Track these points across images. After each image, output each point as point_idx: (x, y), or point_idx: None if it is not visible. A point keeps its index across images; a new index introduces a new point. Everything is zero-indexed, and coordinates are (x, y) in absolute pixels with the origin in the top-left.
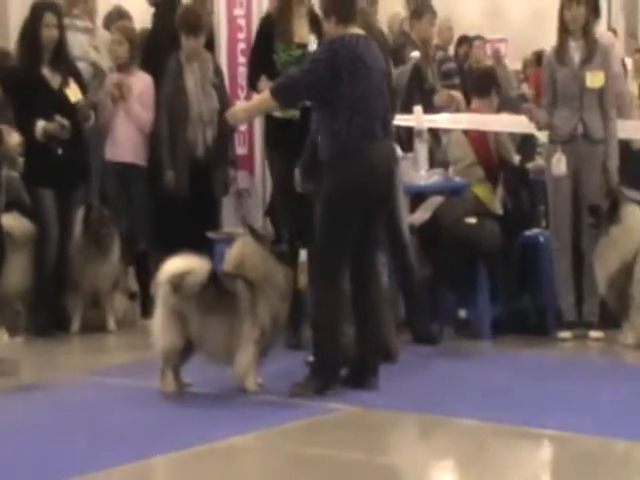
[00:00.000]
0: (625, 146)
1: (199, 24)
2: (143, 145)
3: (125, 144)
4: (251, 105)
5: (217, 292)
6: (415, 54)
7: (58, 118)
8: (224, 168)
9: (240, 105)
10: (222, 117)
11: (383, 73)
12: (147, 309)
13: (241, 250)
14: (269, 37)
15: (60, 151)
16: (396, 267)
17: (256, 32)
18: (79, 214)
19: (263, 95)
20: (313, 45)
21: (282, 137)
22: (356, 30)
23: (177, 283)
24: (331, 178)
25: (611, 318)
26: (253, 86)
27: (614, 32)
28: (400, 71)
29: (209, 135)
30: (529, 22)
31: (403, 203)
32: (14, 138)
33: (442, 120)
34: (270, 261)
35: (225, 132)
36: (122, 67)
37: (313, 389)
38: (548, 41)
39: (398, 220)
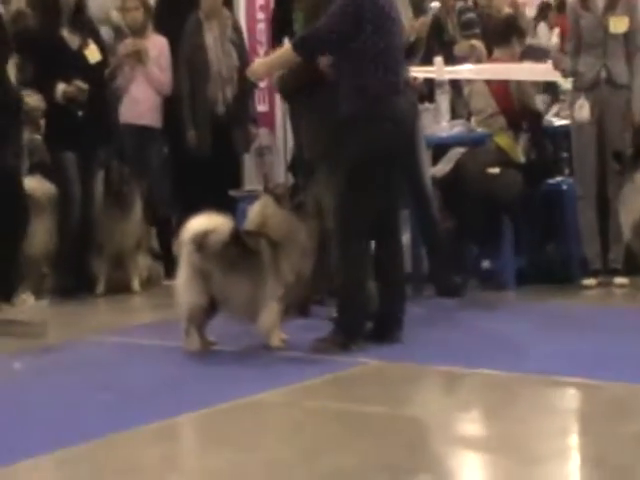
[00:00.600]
0: None
1: None
2: (160, 108)
3: (142, 107)
4: (272, 59)
5: (240, 250)
6: (435, 4)
7: (76, 82)
8: (245, 125)
9: (260, 61)
10: (242, 74)
11: (401, 23)
12: (170, 270)
13: (262, 210)
14: None
15: (80, 113)
16: (419, 220)
17: None
18: (100, 175)
19: (284, 49)
20: None
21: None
22: None
23: (200, 242)
24: (356, 135)
25: (636, 264)
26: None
27: None
28: (420, 22)
29: (229, 93)
30: None
31: (425, 156)
32: (34, 101)
33: (463, 71)
34: (291, 220)
35: (245, 89)
36: (137, 31)
37: (337, 345)
38: None
39: (420, 173)
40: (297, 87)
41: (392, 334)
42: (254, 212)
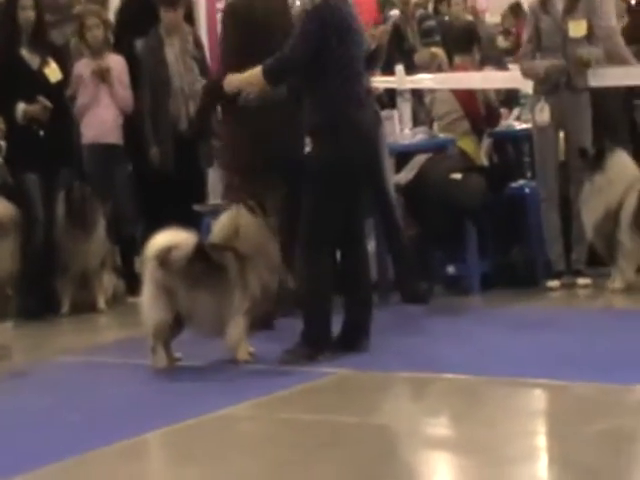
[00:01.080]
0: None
1: None
2: (121, 126)
3: (107, 125)
4: (245, 78)
5: (205, 265)
6: (394, 12)
7: (41, 99)
8: (208, 140)
9: (236, 76)
10: (204, 89)
11: (362, 33)
12: (134, 288)
13: (235, 221)
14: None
15: (42, 133)
16: (383, 228)
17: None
18: (61, 195)
19: (256, 72)
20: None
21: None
22: None
23: (163, 258)
24: (320, 147)
25: (599, 264)
26: None
27: None
28: (380, 30)
29: (192, 108)
30: None
31: (388, 163)
32: None
33: (425, 80)
34: (264, 232)
35: (207, 104)
36: (97, 51)
37: (304, 356)
38: None
39: (384, 181)
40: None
41: (359, 343)
42: (223, 223)
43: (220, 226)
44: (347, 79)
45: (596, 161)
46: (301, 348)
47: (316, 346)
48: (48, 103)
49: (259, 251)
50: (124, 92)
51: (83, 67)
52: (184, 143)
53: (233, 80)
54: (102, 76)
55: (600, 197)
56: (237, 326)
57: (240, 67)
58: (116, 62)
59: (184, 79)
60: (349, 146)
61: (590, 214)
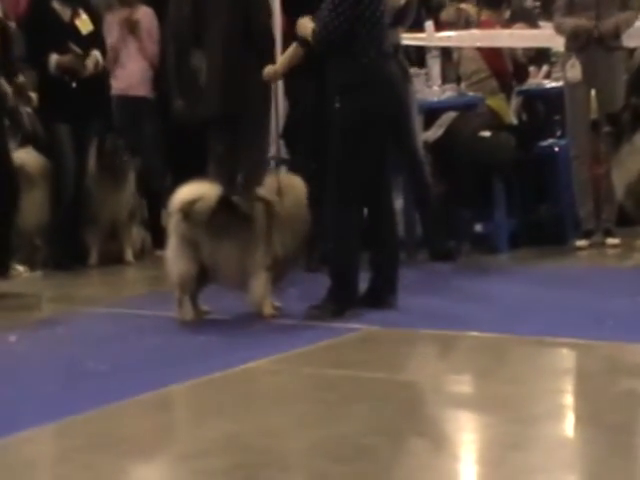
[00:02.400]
0: None
1: None
2: (151, 79)
3: (135, 78)
4: (282, 62)
5: (230, 217)
6: None
7: (73, 47)
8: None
9: (273, 67)
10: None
11: None
12: (160, 240)
13: (281, 177)
14: None
15: (74, 84)
16: (412, 185)
17: None
18: (93, 145)
19: (292, 49)
20: None
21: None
22: None
23: (187, 210)
24: (352, 101)
25: (629, 223)
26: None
27: None
28: None
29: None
30: None
31: (417, 120)
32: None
33: (454, 37)
34: (302, 193)
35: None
36: (127, 1)
37: (331, 311)
38: None
39: (412, 138)
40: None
41: (386, 300)
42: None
43: (268, 184)
44: (378, 34)
45: (634, 121)
46: (328, 304)
47: (343, 302)
48: (79, 51)
49: (292, 210)
50: (152, 46)
51: (113, 18)
52: None
53: (274, 73)
54: (131, 28)
55: (634, 156)
56: (260, 281)
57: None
58: (145, 14)
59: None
60: (379, 100)
61: (624, 174)
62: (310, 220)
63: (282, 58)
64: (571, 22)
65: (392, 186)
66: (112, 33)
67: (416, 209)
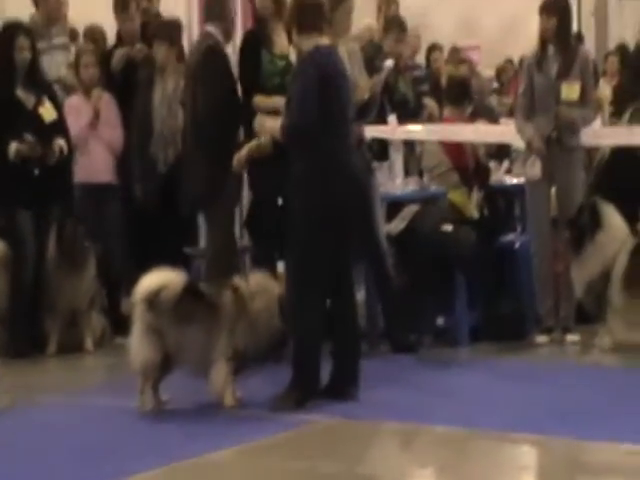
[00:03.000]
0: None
1: (173, 32)
2: (114, 165)
3: (100, 164)
4: (270, 127)
5: (194, 305)
6: (389, 63)
7: (27, 136)
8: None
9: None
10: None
11: (349, 84)
12: (119, 328)
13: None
14: (253, 50)
15: (37, 171)
16: (374, 277)
17: (240, 47)
18: (52, 231)
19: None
20: (293, 55)
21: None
22: (325, 40)
23: (152, 299)
24: (307, 193)
25: (587, 320)
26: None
27: (581, 38)
28: (374, 80)
29: (171, 154)
30: (500, 31)
31: (380, 213)
32: None
33: (417, 131)
34: (272, 286)
35: (191, 151)
36: (89, 89)
37: (294, 401)
38: (519, 49)
39: (375, 230)
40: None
41: (348, 392)
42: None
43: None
44: (340, 126)
45: (592, 222)
46: (290, 394)
47: (305, 392)
48: (32, 139)
49: (261, 307)
50: (112, 132)
51: (75, 104)
52: (166, 187)
53: (262, 124)
54: (94, 117)
55: (599, 254)
56: (221, 371)
57: None
58: (106, 102)
59: (165, 123)
60: (337, 191)
61: (584, 272)
62: (280, 319)
63: (245, 149)
64: (528, 132)
65: (354, 277)
66: (74, 120)
67: (378, 300)
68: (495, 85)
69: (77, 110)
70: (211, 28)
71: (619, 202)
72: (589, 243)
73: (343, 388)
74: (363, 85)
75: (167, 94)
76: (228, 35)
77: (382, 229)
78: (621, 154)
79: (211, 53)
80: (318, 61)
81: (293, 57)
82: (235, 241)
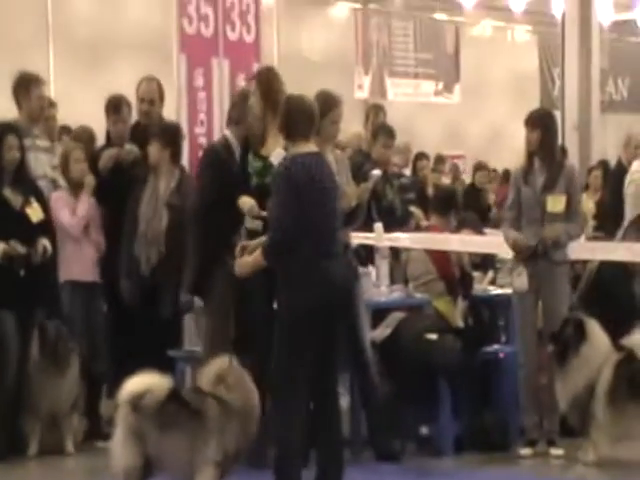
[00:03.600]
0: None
1: (169, 134)
2: (97, 265)
3: (89, 264)
4: (254, 262)
5: (179, 410)
6: (377, 172)
7: (12, 243)
8: (174, 290)
9: (245, 260)
10: (174, 237)
11: (337, 191)
12: (96, 430)
13: (223, 370)
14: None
15: (22, 272)
16: (358, 384)
17: None
18: (35, 332)
19: (259, 255)
20: (275, 158)
21: None
22: (312, 147)
23: (136, 403)
24: (289, 297)
25: (571, 434)
26: None
27: (565, 152)
28: (361, 188)
29: (153, 255)
30: (485, 140)
31: (365, 319)
32: None
33: (403, 239)
34: (250, 385)
35: (176, 253)
36: (78, 185)
37: None
38: (504, 159)
39: (360, 336)
40: None
41: None
42: (211, 370)
43: (211, 370)
44: (317, 232)
45: (576, 336)
46: None
47: None
48: (20, 248)
49: (245, 403)
50: (98, 234)
51: (63, 198)
52: (147, 288)
53: (244, 264)
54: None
55: (584, 368)
56: (207, 477)
57: None
58: (90, 206)
59: (149, 225)
60: (320, 295)
61: (569, 386)
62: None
63: (253, 259)
64: (512, 236)
65: (337, 385)
66: (67, 214)
67: (363, 407)
68: None
69: (66, 204)
70: (227, 131)
71: (606, 315)
72: (573, 357)
73: None
74: (350, 192)
75: (157, 194)
76: (242, 139)
77: (367, 336)
78: (608, 268)
79: (209, 151)
80: (291, 172)
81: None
82: (228, 332)
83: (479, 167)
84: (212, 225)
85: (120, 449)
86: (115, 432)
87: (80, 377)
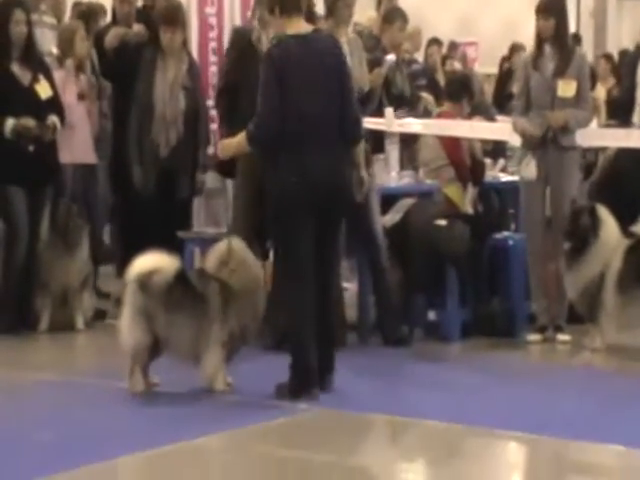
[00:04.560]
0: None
1: (177, 17)
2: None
3: (86, 145)
4: (239, 143)
5: (186, 291)
6: (391, 57)
7: (23, 120)
8: (191, 172)
9: (229, 141)
10: (191, 119)
11: (333, 73)
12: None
13: (230, 251)
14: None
15: (32, 148)
16: (369, 269)
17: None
18: (46, 210)
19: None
20: None
21: None
22: (302, 25)
23: (144, 281)
24: (271, 183)
25: (579, 320)
26: None
27: (579, 39)
28: (375, 73)
29: (173, 137)
30: (498, 29)
31: (376, 205)
32: None
33: (413, 124)
34: (256, 267)
35: (194, 136)
36: (81, 65)
37: (289, 389)
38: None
39: (372, 222)
40: None
41: (323, 378)
42: (218, 251)
43: (214, 254)
44: (302, 121)
45: (590, 224)
46: (289, 382)
47: (301, 380)
48: (30, 122)
49: (248, 286)
50: (94, 114)
51: (64, 81)
52: (165, 171)
53: (227, 147)
54: (82, 96)
55: (593, 259)
56: (214, 356)
57: None
58: (91, 85)
59: (167, 107)
60: (289, 186)
61: (581, 276)
62: (265, 296)
63: (238, 141)
64: (521, 124)
65: (336, 270)
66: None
67: (371, 293)
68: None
69: (63, 86)
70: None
71: (620, 203)
72: (587, 248)
73: (320, 375)
74: (364, 77)
75: (170, 77)
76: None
77: (379, 221)
78: (626, 156)
79: (235, 32)
80: (274, 56)
81: None
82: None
83: (515, 48)
84: (234, 106)
85: (128, 327)
86: (123, 310)
87: (90, 256)
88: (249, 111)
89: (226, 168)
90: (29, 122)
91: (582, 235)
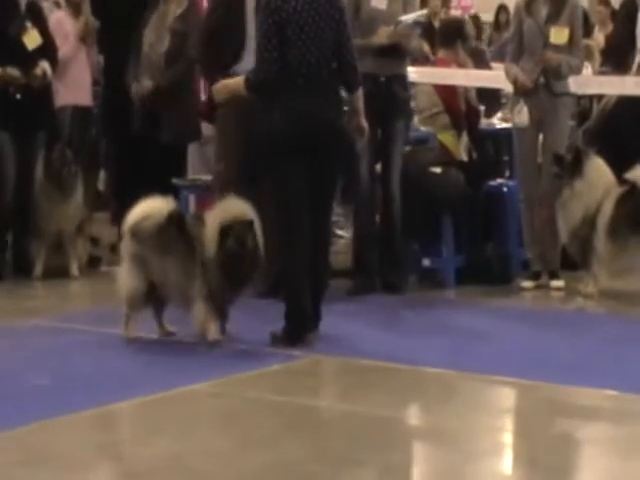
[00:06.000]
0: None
1: None
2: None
3: (85, 88)
4: (234, 86)
5: (177, 236)
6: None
7: (8, 69)
8: (173, 116)
9: (225, 83)
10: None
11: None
12: None
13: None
14: None
15: (19, 96)
16: (379, 215)
17: None
18: (40, 156)
19: (240, 80)
20: None
21: None
22: None
23: (135, 229)
24: (261, 122)
25: (572, 266)
26: None
27: None
28: (398, 31)
29: (155, 79)
30: None
31: (399, 155)
32: None
33: (409, 73)
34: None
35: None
36: (76, 5)
37: (285, 336)
38: None
39: (392, 171)
40: None
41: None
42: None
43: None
44: (301, 65)
45: (573, 166)
46: (284, 329)
47: (297, 326)
48: (15, 72)
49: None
50: (93, 56)
51: (62, 23)
52: (150, 113)
53: (223, 89)
54: (85, 36)
55: (578, 202)
56: (201, 307)
57: None
58: (89, 28)
59: (153, 48)
60: (277, 124)
61: (567, 218)
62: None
63: (234, 83)
64: (514, 71)
65: (328, 213)
66: (64, 42)
67: (366, 240)
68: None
69: (62, 28)
70: None
71: (618, 150)
72: (567, 188)
73: None
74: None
75: (163, 19)
76: None
77: (398, 171)
78: (627, 104)
79: None
80: (273, 7)
81: None
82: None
83: None
84: (215, 51)
85: (124, 274)
86: (121, 260)
87: (84, 202)
88: (232, 57)
89: (207, 114)
90: (14, 72)
91: (567, 174)
